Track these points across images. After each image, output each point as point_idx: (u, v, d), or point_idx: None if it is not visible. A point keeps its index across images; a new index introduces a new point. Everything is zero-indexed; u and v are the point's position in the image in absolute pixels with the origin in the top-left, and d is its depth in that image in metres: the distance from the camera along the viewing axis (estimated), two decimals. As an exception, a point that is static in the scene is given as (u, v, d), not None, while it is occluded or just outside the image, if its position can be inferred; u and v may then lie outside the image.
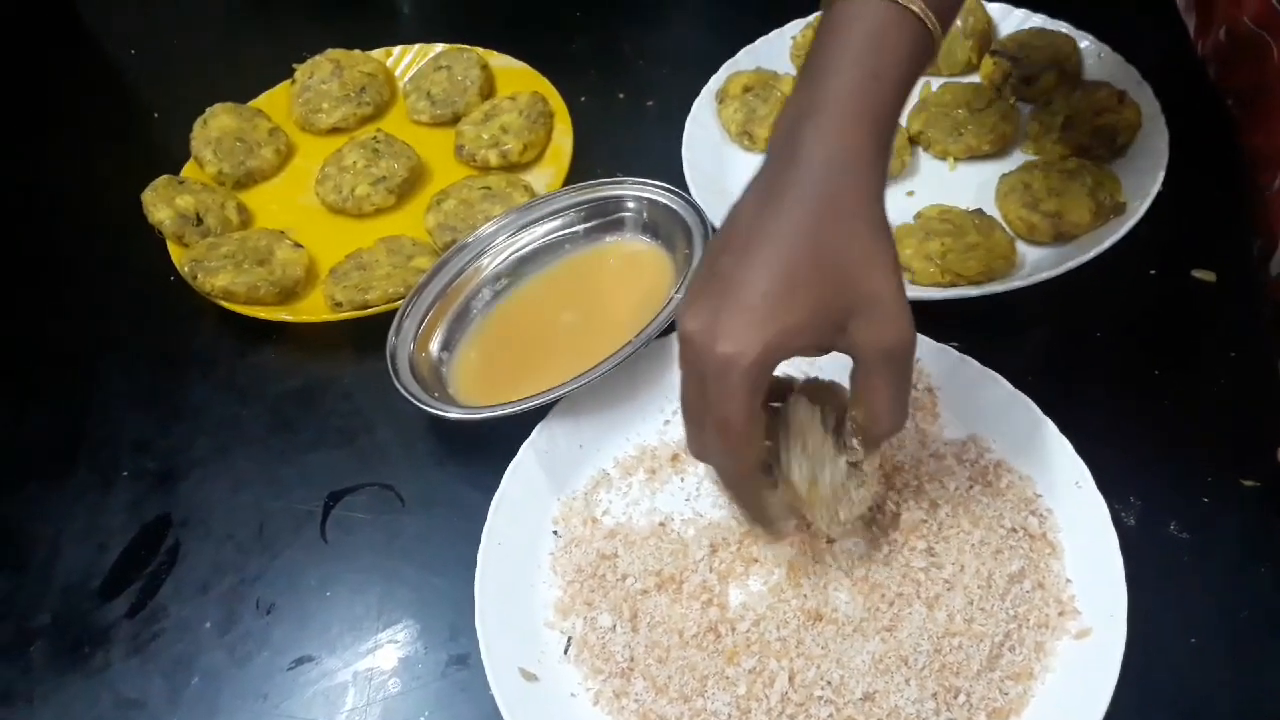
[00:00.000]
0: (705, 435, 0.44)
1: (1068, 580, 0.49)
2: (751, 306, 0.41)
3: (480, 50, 0.82)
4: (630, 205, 0.68)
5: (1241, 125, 0.71)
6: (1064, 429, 0.53)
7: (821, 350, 0.43)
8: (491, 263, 0.67)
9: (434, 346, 0.64)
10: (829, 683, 0.47)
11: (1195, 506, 0.53)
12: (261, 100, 0.83)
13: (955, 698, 0.46)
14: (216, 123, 0.79)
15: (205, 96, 0.82)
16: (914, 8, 0.43)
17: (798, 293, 0.41)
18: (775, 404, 0.46)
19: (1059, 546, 0.51)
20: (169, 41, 0.93)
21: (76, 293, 0.75)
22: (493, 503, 0.55)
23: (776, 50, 0.77)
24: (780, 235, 0.42)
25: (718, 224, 0.63)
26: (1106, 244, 0.61)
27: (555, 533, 0.56)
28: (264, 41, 0.93)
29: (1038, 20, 0.75)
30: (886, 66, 0.43)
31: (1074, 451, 0.52)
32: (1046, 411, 0.54)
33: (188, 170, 0.78)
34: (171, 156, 0.79)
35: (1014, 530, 0.51)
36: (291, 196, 0.77)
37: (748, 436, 0.43)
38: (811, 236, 0.41)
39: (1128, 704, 0.45)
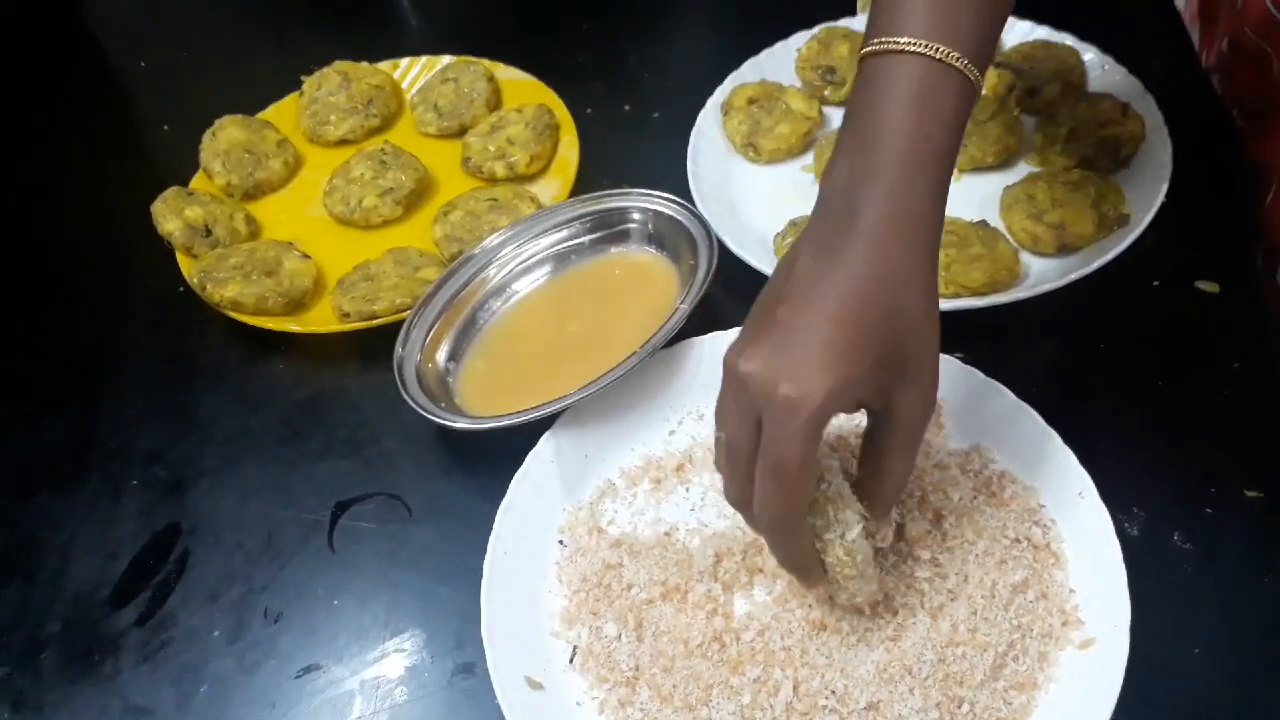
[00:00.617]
0: (745, 479, 0.44)
1: (1071, 590, 0.50)
2: (816, 353, 0.41)
3: (487, 62, 0.82)
4: (635, 217, 0.68)
5: (1246, 135, 0.72)
6: (1068, 440, 0.53)
7: (862, 407, 0.44)
8: (498, 274, 0.68)
9: (441, 357, 0.65)
10: (833, 692, 0.47)
11: (1199, 517, 0.53)
12: (270, 112, 0.83)
13: (959, 707, 0.46)
14: (225, 135, 0.80)
15: (214, 108, 0.82)
16: (956, 65, 0.43)
17: (861, 345, 0.42)
18: None
19: (1062, 557, 0.51)
20: (178, 53, 0.94)
21: (87, 303, 0.75)
22: (499, 512, 0.55)
23: (781, 62, 0.77)
24: (841, 290, 0.42)
25: (723, 235, 0.64)
26: (1110, 255, 0.61)
27: (561, 542, 0.56)
28: (272, 53, 0.94)
29: (1042, 32, 0.75)
30: (934, 124, 0.43)
31: (1078, 462, 0.52)
32: (1050, 422, 0.54)
33: (196, 182, 0.79)
34: (181, 168, 0.80)
35: (1018, 541, 0.51)
36: (300, 208, 0.78)
37: (805, 482, 0.43)
38: (871, 296, 0.42)
39: (1131, 715, 0.45)
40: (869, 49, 0.45)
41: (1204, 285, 0.62)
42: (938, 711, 0.46)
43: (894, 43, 0.43)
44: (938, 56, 0.43)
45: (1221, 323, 0.61)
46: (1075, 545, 0.51)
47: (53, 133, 0.89)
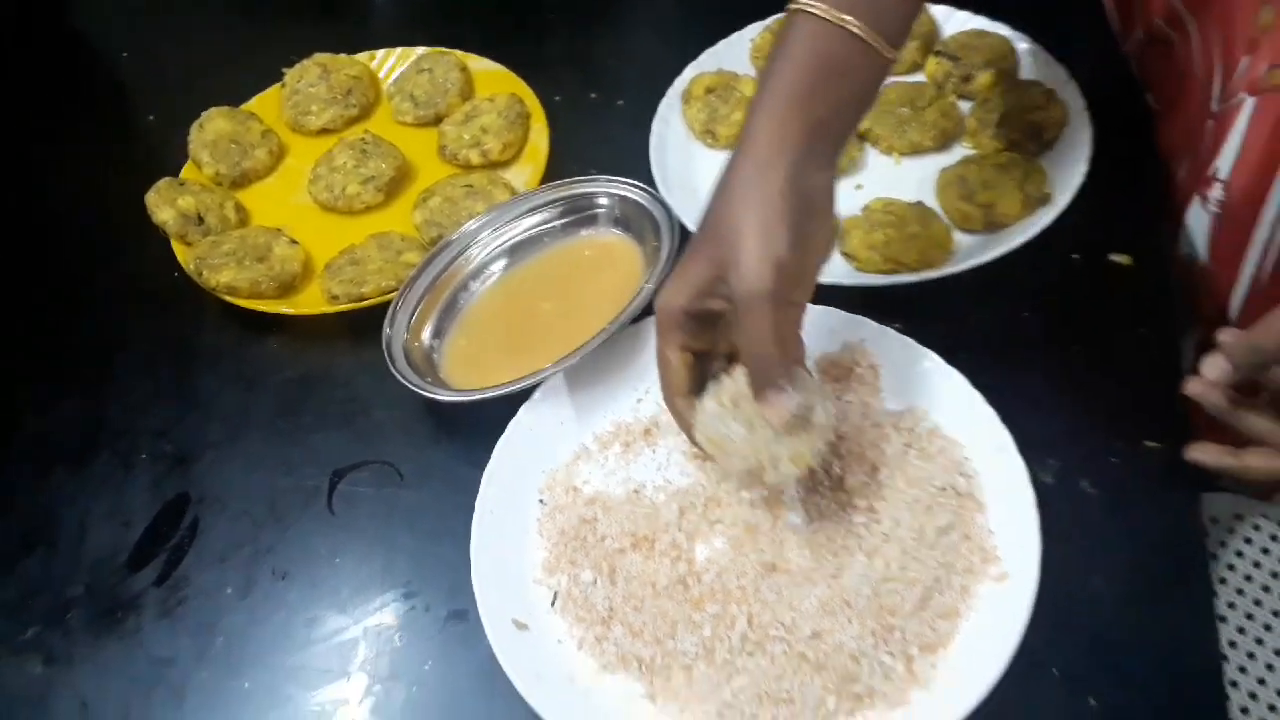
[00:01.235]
0: None
1: (990, 531, 0.56)
2: (675, 273, 0.55)
3: (459, 53, 0.87)
4: (603, 201, 0.74)
5: (1157, 117, 0.78)
6: (991, 400, 0.60)
7: (721, 296, 0.54)
8: (476, 256, 0.73)
9: (426, 335, 0.70)
10: (782, 624, 0.54)
11: (1105, 466, 0.60)
12: (253, 103, 0.88)
13: (891, 634, 0.53)
14: (212, 126, 0.84)
15: (198, 100, 0.87)
16: (851, 28, 0.50)
17: (697, 256, 0.54)
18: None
19: (983, 503, 0.57)
20: (161, 46, 0.98)
21: (88, 290, 0.80)
22: (484, 475, 0.61)
23: (737, 52, 0.83)
24: (703, 222, 0.54)
25: (684, 218, 0.70)
26: (1033, 232, 0.67)
27: (541, 501, 0.62)
28: (252, 45, 0.98)
29: (978, 22, 0.81)
30: (818, 87, 0.51)
31: (999, 419, 0.59)
32: (976, 384, 0.60)
33: (186, 172, 0.83)
34: (169, 158, 0.84)
35: (944, 489, 0.57)
36: (285, 195, 0.83)
37: (669, 368, 0.56)
38: (712, 206, 0.53)
39: (1039, 636, 0.52)
40: (788, 8, 0.53)
41: (1117, 258, 0.69)
42: (873, 638, 0.53)
43: (795, 3, 0.52)
44: (826, 16, 0.51)
45: (1131, 292, 0.68)
46: (995, 492, 0.57)
47: (43, 127, 0.94)
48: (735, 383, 0.54)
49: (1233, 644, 0.70)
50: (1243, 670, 0.68)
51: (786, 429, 0.52)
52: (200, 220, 0.78)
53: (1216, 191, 0.71)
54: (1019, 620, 0.52)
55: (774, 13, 0.84)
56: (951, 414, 0.61)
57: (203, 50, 0.97)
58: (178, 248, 0.77)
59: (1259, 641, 0.70)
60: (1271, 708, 0.66)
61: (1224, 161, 0.69)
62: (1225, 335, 0.54)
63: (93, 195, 0.86)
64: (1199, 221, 0.73)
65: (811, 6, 0.51)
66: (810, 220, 0.51)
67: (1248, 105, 0.67)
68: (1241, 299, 0.71)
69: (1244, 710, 0.65)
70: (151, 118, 0.92)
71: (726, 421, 0.54)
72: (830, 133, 0.52)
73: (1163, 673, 0.54)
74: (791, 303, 0.52)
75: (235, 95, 0.89)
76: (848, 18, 0.51)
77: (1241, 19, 0.66)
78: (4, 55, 0.99)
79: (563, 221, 0.74)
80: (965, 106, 0.78)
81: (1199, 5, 0.70)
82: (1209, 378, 0.54)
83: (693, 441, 0.57)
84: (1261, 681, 0.68)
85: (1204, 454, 0.56)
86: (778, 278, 0.49)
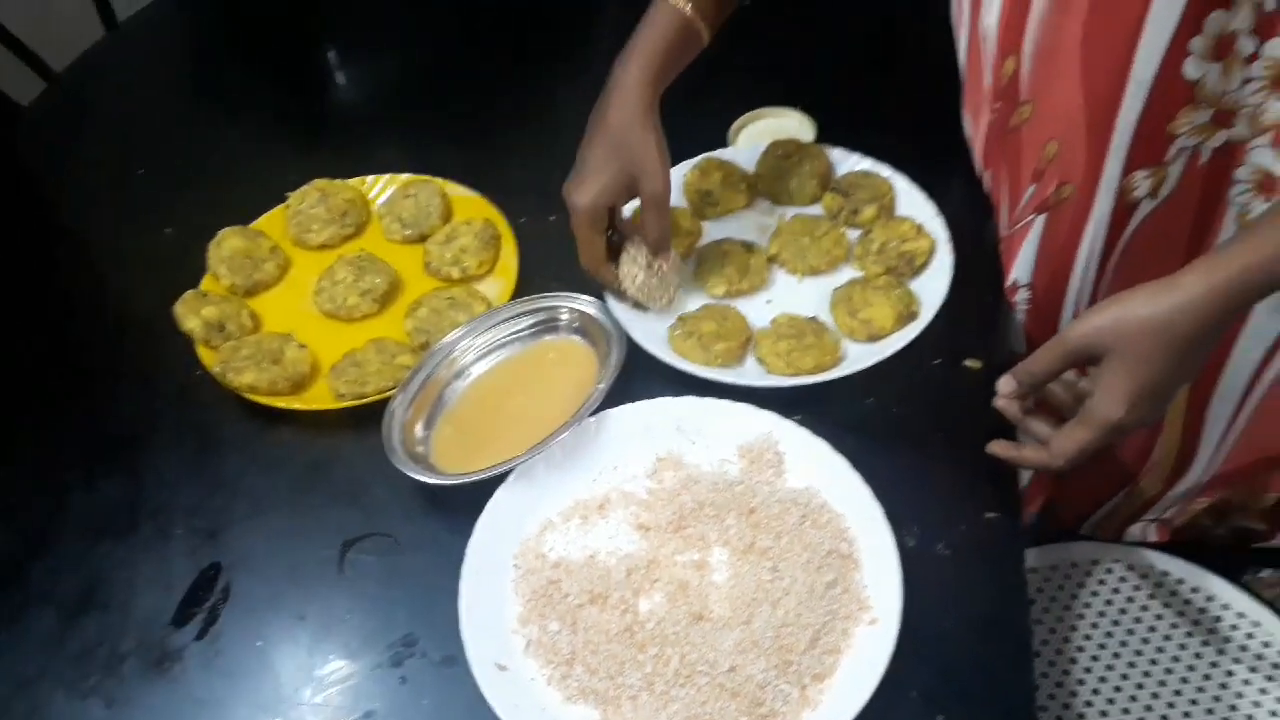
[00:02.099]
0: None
1: (865, 586, 0.73)
2: (585, 177, 0.82)
3: (440, 180, 1.03)
4: (564, 314, 0.90)
5: (993, 196, 0.97)
6: (868, 478, 0.76)
7: (629, 196, 0.83)
8: (459, 360, 0.88)
9: (418, 427, 0.85)
10: (707, 661, 0.69)
11: (955, 533, 0.77)
12: (261, 222, 1.02)
13: (789, 668, 0.69)
14: (228, 243, 0.98)
15: (208, 214, 1.01)
16: (685, 9, 0.81)
17: (606, 166, 0.81)
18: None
19: (860, 563, 0.74)
20: (174, 164, 1.13)
21: (123, 386, 0.93)
22: (469, 545, 0.76)
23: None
24: (596, 128, 0.81)
25: (630, 330, 0.86)
26: (904, 342, 0.84)
27: (515, 565, 0.77)
28: (252, 164, 1.13)
29: (866, 164, 0.99)
30: (661, 38, 0.81)
31: (873, 496, 0.75)
32: (857, 466, 0.77)
33: (206, 284, 0.97)
34: (186, 269, 0.98)
35: (830, 553, 0.74)
36: (292, 303, 0.97)
37: (590, 249, 0.85)
38: (611, 128, 0.80)
39: (902, 666, 0.68)
40: None
41: (970, 363, 0.87)
42: (775, 671, 0.69)
43: None
44: (680, 6, 0.80)
45: (980, 391, 0.84)
46: (869, 555, 0.74)
47: (68, 235, 1.07)
48: (639, 250, 0.87)
49: (1052, 663, 0.88)
50: (1058, 684, 0.87)
51: (673, 274, 0.88)
52: (222, 328, 0.92)
53: (1021, 296, 0.90)
54: (886, 654, 0.68)
55: (704, 151, 1.02)
56: (837, 492, 0.77)
57: (211, 169, 1.12)
58: (203, 352, 0.91)
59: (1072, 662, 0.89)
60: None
61: (1021, 272, 0.89)
62: (1017, 365, 0.74)
63: (118, 301, 1.00)
64: (1016, 323, 0.92)
65: (676, 2, 0.80)
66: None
67: (1038, 223, 0.86)
68: None
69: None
70: (169, 230, 1.06)
71: (639, 271, 0.87)
72: (663, 76, 0.82)
73: (995, 692, 0.71)
74: None
75: (240, 211, 1.03)
76: (695, 16, 0.81)
77: (1028, 156, 0.86)
78: (30, 166, 1.13)
79: (530, 330, 0.90)
80: (854, 235, 0.95)
81: (1001, 147, 0.89)
82: (1003, 392, 0.75)
83: (613, 293, 0.88)
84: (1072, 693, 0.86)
85: (999, 448, 0.76)
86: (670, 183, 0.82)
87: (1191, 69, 0.72)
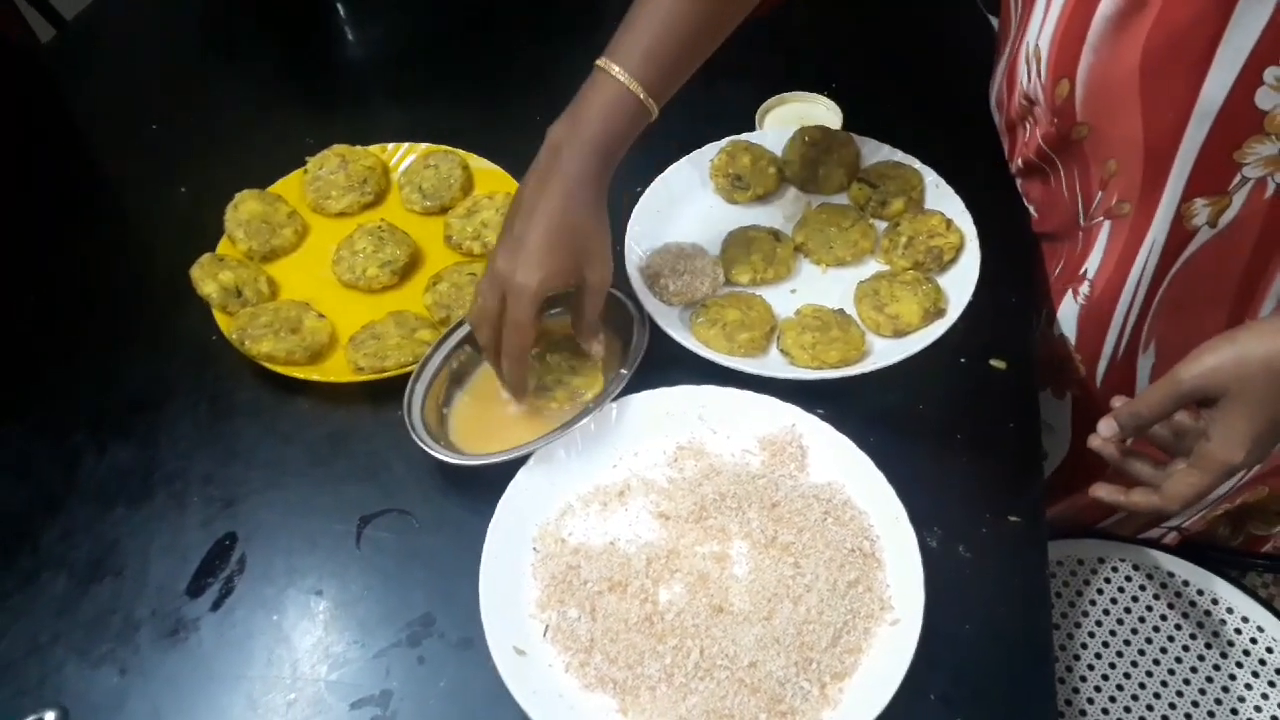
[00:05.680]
0: (493, 329, 0.77)
1: (887, 585, 0.73)
2: (534, 256, 0.73)
3: (461, 152, 1.01)
4: (586, 296, 0.89)
5: (1036, 223, 0.97)
6: (891, 477, 0.76)
7: (571, 282, 0.76)
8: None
9: (438, 404, 0.84)
10: (726, 655, 0.70)
11: (977, 535, 0.77)
12: (279, 186, 1.01)
13: (810, 665, 0.69)
14: (245, 207, 0.97)
15: (225, 176, 0.99)
16: (639, 94, 0.75)
17: (558, 249, 0.74)
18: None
19: (882, 562, 0.74)
20: (188, 121, 1.10)
21: (139, 351, 0.91)
22: (489, 527, 0.76)
23: (699, 168, 0.98)
24: (547, 213, 0.73)
25: (653, 316, 0.86)
26: (930, 339, 0.84)
27: (535, 549, 0.77)
28: (269, 127, 1.10)
29: (896, 155, 0.98)
30: (615, 124, 0.75)
31: (896, 495, 0.75)
32: (880, 464, 0.77)
33: (222, 247, 0.96)
34: (202, 230, 0.97)
35: (853, 550, 0.74)
36: (310, 270, 0.96)
37: (529, 333, 0.75)
38: (564, 215, 0.74)
39: (922, 668, 0.68)
40: (599, 61, 0.75)
41: (996, 363, 0.87)
42: (795, 668, 0.69)
43: (602, 61, 0.74)
44: (620, 78, 0.74)
45: (1004, 392, 0.85)
46: (891, 554, 0.74)
47: (83, 191, 1.05)
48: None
49: (1069, 668, 0.88)
50: (1060, 680, 0.87)
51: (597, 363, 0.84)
52: (239, 293, 0.91)
53: (1085, 287, 0.90)
54: (907, 656, 0.68)
55: (730, 134, 1.00)
56: (860, 489, 0.77)
57: (228, 129, 1.10)
58: (219, 317, 0.90)
59: (1091, 667, 0.89)
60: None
61: (1090, 265, 0.88)
62: (1116, 402, 0.72)
63: (134, 260, 0.99)
64: (1070, 310, 0.92)
65: (613, 71, 0.74)
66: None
67: (1106, 225, 0.85)
68: (1104, 369, 0.91)
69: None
70: (184, 190, 1.04)
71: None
72: (614, 164, 0.77)
73: (1014, 698, 0.71)
74: None
75: (257, 174, 1.01)
76: (637, 87, 0.74)
77: (1095, 166, 0.85)
78: (42, 119, 1.10)
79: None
80: (880, 226, 0.95)
81: (1064, 153, 0.88)
82: (1103, 435, 0.72)
83: (517, 390, 0.81)
84: (1074, 689, 0.87)
85: (1103, 491, 0.74)
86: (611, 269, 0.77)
87: (1264, 99, 0.70)
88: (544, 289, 0.74)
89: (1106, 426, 0.72)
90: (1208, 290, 0.83)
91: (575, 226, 0.74)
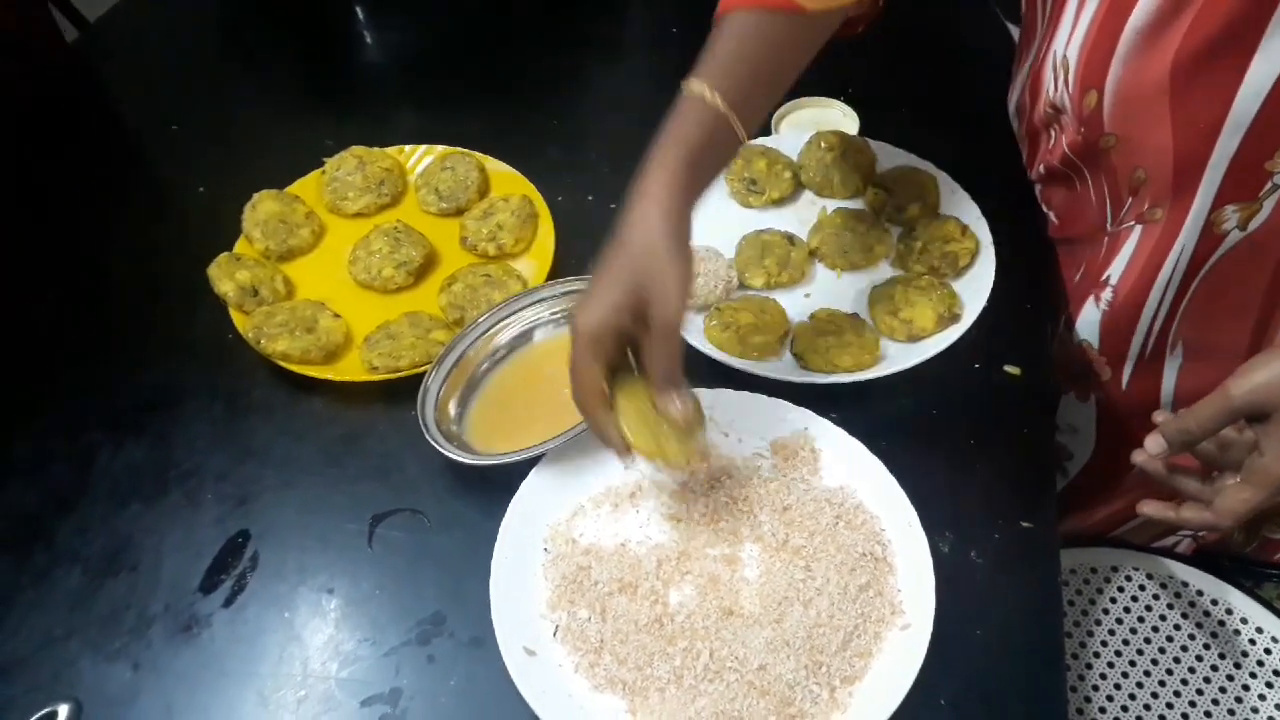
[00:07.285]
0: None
1: (898, 590, 0.73)
2: (593, 290, 0.66)
3: (478, 155, 1.02)
4: (599, 298, 0.89)
5: (1056, 230, 0.96)
6: (903, 482, 0.76)
7: (637, 321, 0.66)
8: (494, 338, 0.88)
9: (452, 405, 0.85)
10: (736, 658, 0.69)
11: (989, 541, 0.77)
12: (296, 186, 1.01)
13: (820, 669, 0.69)
14: (263, 207, 0.97)
15: (243, 177, 1.00)
16: (731, 118, 0.69)
17: (619, 282, 0.65)
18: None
19: (894, 566, 0.74)
20: (207, 122, 1.11)
21: (154, 349, 0.92)
22: (500, 527, 0.76)
23: (713, 170, 0.99)
24: (616, 243, 0.67)
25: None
26: (944, 345, 0.84)
27: (545, 549, 0.77)
28: (288, 128, 1.11)
29: (911, 160, 0.98)
30: (698, 147, 0.68)
31: (908, 499, 0.75)
32: (892, 468, 0.77)
33: (240, 246, 0.96)
34: (220, 230, 0.98)
35: (864, 555, 0.74)
36: (327, 271, 0.96)
37: (588, 380, 0.67)
38: (631, 251, 0.66)
39: (932, 673, 0.68)
40: (684, 86, 0.69)
41: (1010, 369, 0.86)
42: (805, 671, 0.69)
43: (688, 83, 0.69)
44: (715, 104, 0.68)
45: (1018, 399, 0.85)
46: (903, 559, 0.74)
47: (101, 189, 1.06)
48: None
49: (1081, 677, 0.88)
50: (1071, 689, 0.87)
51: (684, 428, 0.68)
52: (255, 292, 0.91)
53: (1107, 293, 0.89)
54: (917, 661, 0.68)
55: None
56: (872, 494, 0.77)
57: (246, 130, 1.11)
58: (236, 316, 0.91)
59: (1102, 676, 0.89)
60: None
61: (1115, 270, 0.88)
62: (1159, 418, 0.71)
63: (152, 259, 0.99)
64: (1092, 315, 0.91)
65: (704, 94, 0.68)
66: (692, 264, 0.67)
67: (1136, 230, 0.85)
68: (1130, 373, 0.90)
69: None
70: (203, 190, 1.05)
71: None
72: (702, 190, 0.70)
73: (1026, 705, 0.71)
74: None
75: (275, 175, 1.02)
76: (729, 111, 0.68)
77: (1123, 174, 0.85)
78: (62, 116, 1.11)
79: (566, 312, 0.89)
80: (895, 231, 0.95)
81: (1090, 161, 0.88)
82: (1150, 452, 0.71)
83: (607, 440, 0.69)
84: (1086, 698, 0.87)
85: (1152, 508, 0.73)
86: (687, 313, 0.68)
87: None
88: (601, 327, 0.65)
89: (1154, 444, 0.71)
90: (1234, 296, 0.82)
91: (640, 258, 0.65)
